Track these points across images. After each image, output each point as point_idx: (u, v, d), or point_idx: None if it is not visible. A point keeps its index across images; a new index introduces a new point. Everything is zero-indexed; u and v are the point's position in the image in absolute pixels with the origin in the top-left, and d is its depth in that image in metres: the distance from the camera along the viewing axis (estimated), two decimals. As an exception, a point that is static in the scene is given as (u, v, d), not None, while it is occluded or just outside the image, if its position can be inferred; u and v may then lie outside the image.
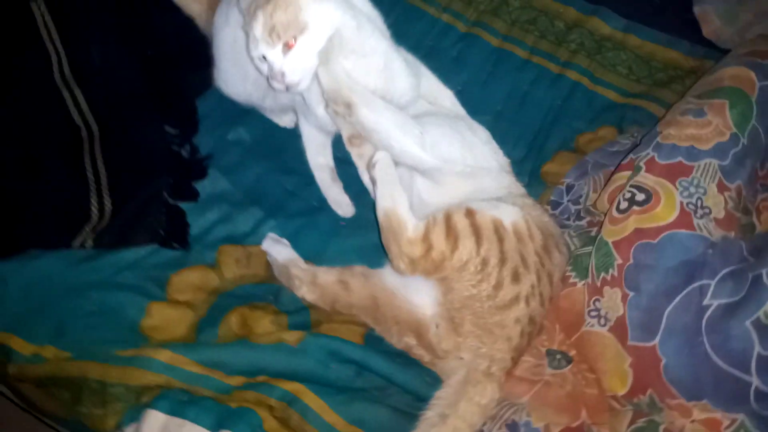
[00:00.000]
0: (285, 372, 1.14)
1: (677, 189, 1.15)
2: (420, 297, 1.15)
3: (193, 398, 1.08)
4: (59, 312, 1.19)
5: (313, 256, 1.32)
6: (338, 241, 1.38)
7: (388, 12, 1.34)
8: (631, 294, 1.11)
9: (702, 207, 1.14)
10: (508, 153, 1.37)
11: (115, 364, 1.12)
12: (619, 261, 1.14)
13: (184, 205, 1.38)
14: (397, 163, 1.22)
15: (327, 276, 1.24)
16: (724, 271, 1.07)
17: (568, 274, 1.22)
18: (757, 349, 0.99)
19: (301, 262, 1.28)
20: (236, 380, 1.13)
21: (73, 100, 1.44)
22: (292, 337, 1.17)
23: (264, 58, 1.16)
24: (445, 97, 1.42)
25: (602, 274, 1.15)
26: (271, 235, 1.34)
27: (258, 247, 1.33)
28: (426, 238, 1.11)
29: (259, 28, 1.14)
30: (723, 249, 1.10)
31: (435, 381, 1.15)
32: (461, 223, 1.11)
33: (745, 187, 1.20)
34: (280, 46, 1.14)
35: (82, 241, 1.29)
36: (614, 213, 1.17)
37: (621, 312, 1.12)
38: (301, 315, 1.25)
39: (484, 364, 1.09)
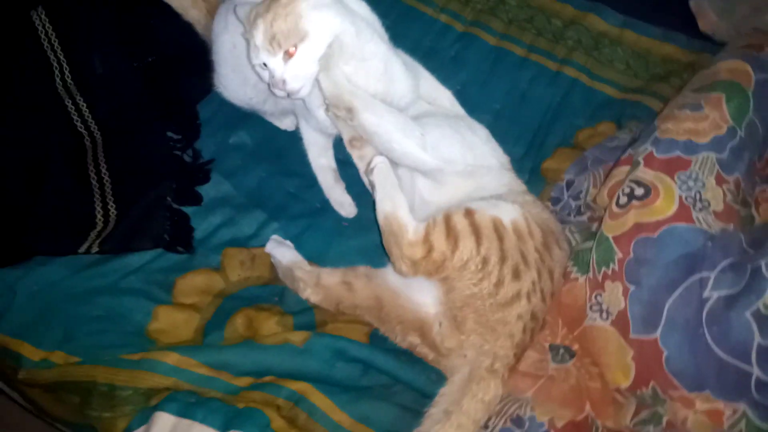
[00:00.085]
0: (291, 372, 1.15)
1: (676, 183, 1.15)
2: (422, 296, 1.16)
3: (201, 399, 1.09)
4: (67, 317, 1.21)
5: (316, 257, 1.33)
6: (341, 241, 1.39)
7: (386, 13, 1.34)
8: (632, 288, 1.12)
9: (701, 200, 1.15)
10: (508, 151, 1.38)
11: (123, 368, 1.14)
12: (620, 255, 1.14)
13: (187, 210, 1.39)
14: (397, 165, 1.23)
15: (331, 277, 1.25)
16: (723, 264, 1.07)
17: (569, 269, 1.22)
18: (757, 339, 1.00)
19: (305, 263, 1.29)
20: (243, 381, 1.14)
21: (76, 108, 1.45)
22: (297, 337, 1.19)
23: (265, 65, 1.18)
24: (444, 97, 1.43)
25: (603, 269, 1.16)
26: (275, 237, 1.35)
27: (262, 249, 1.34)
28: (426, 239, 1.12)
29: (259, 37, 1.15)
30: (722, 241, 1.11)
31: (440, 378, 1.16)
32: (461, 223, 1.12)
33: (743, 180, 1.20)
34: (280, 55, 1.15)
35: (87, 247, 1.30)
36: (614, 208, 1.18)
37: (622, 306, 1.12)
38: (306, 315, 1.26)
39: (487, 362, 1.10)
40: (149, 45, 1.57)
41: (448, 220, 1.13)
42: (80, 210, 1.35)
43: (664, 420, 1.08)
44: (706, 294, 1.06)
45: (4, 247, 1.31)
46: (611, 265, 1.15)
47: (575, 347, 1.19)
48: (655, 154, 1.19)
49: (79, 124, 1.44)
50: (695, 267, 1.09)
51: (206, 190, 1.43)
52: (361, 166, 1.28)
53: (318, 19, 1.15)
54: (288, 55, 1.15)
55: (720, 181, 1.17)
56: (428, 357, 1.18)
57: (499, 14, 1.83)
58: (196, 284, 1.29)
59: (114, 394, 1.11)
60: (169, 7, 1.56)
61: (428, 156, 1.20)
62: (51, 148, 1.41)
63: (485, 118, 1.42)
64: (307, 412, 1.10)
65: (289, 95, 1.18)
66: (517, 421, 1.10)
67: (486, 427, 1.09)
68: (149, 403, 1.10)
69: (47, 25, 1.51)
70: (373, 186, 1.19)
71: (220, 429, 1.05)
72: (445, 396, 1.09)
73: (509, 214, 1.16)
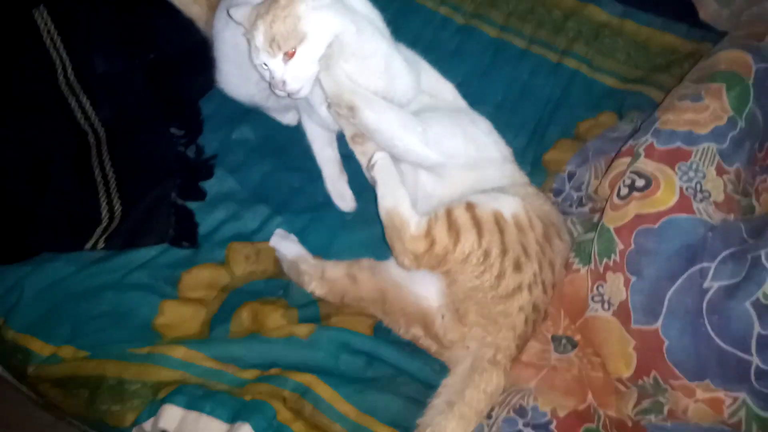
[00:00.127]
0: (297, 364, 1.17)
1: (676, 174, 1.16)
2: (425, 289, 1.17)
3: (208, 392, 1.11)
4: (75, 313, 1.22)
5: (320, 250, 1.34)
6: (345, 234, 1.40)
7: (386, 7, 1.34)
8: (634, 278, 1.13)
9: (701, 191, 1.16)
10: (509, 142, 1.38)
11: (131, 362, 1.15)
12: (621, 246, 1.15)
13: (192, 205, 1.40)
14: (400, 160, 1.24)
15: (335, 270, 1.26)
16: (723, 254, 1.08)
17: (571, 260, 1.23)
18: (757, 328, 1.00)
19: (309, 257, 1.30)
20: (250, 374, 1.15)
21: (79, 106, 1.46)
22: (302, 330, 1.20)
23: (265, 65, 1.18)
24: (445, 90, 1.43)
25: (605, 260, 1.17)
26: (279, 231, 1.37)
27: (266, 243, 1.35)
28: (429, 233, 1.13)
29: (260, 38, 1.15)
30: (723, 232, 1.12)
31: (443, 369, 1.17)
32: (462, 217, 1.13)
33: (744, 170, 1.21)
34: (280, 56, 1.15)
35: (93, 243, 1.32)
36: (615, 199, 1.19)
37: (624, 296, 1.13)
38: (311, 308, 1.27)
39: (489, 353, 1.11)
40: (151, 42, 1.58)
41: (449, 214, 1.14)
42: (85, 207, 1.37)
43: (666, 409, 1.09)
44: (706, 284, 1.07)
45: (11, 244, 1.33)
46: (613, 256, 1.16)
47: (577, 338, 1.20)
48: (655, 145, 1.20)
49: (82, 121, 1.45)
50: (696, 257, 1.09)
51: (210, 186, 1.44)
52: (363, 162, 1.29)
53: (317, 21, 1.16)
54: (288, 56, 1.15)
55: (721, 171, 1.17)
56: (431, 349, 1.19)
57: (499, 6, 1.82)
58: (201, 279, 1.30)
59: (122, 388, 1.13)
60: (170, 4, 1.57)
61: (430, 152, 1.21)
62: (55, 146, 1.42)
63: (486, 110, 1.42)
64: (313, 404, 1.11)
65: (289, 95, 1.19)
66: (520, 411, 1.11)
67: (489, 417, 1.10)
68: (157, 396, 1.11)
69: (49, 23, 1.52)
70: (375, 181, 1.20)
71: (227, 421, 1.06)
72: (447, 387, 1.10)
73: (510, 206, 1.17)
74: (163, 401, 1.09)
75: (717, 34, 1.70)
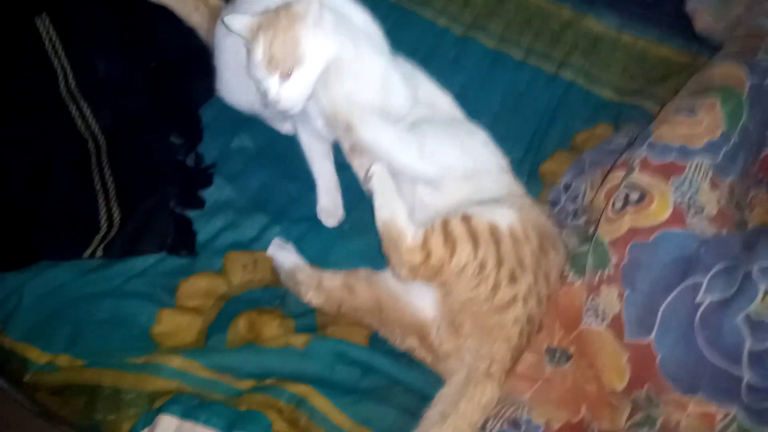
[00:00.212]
0: (293, 374, 1.17)
1: (670, 188, 1.16)
2: (421, 300, 1.18)
3: (204, 402, 1.11)
4: (72, 321, 1.22)
5: (317, 259, 1.35)
6: (342, 244, 1.41)
7: (385, 18, 1.35)
8: (627, 291, 1.13)
9: (695, 205, 1.16)
10: (506, 153, 1.38)
11: (127, 371, 1.15)
12: (615, 259, 1.16)
13: (190, 213, 1.41)
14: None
15: (332, 280, 1.26)
16: (716, 268, 1.09)
17: (566, 272, 1.23)
18: (748, 344, 1.01)
19: (306, 267, 1.31)
20: (246, 384, 1.16)
21: (80, 113, 1.47)
22: (298, 340, 1.20)
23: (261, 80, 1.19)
24: (443, 101, 1.43)
25: (599, 273, 1.17)
26: (277, 240, 1.37)
27: (264, 252, 1.36)
28: (425, 245, 1.14)
29: (259, 53, 1.17)
30: (715, 246, 1.12)
31: (438, 380, 1.17)
32: (458, 229, 1.14)
33: (737, 184, 1.22)
34: (277, 75, 1.17)
35: (92, 251, 1.32)
36: (610, 212, 1.19)
37: (617, 309, 1.14)
38: (308, 318, 1.28)
39: (484, 365, 1.11)
40: (152, 50, 1.59)
41: (445, 225, 1.15)
42: (84, 214, 1.37)
43: (658, 423, 1.09)
44: (698, 299, 1.07)
45: (9, 251, 1.33)
46: (607, 269, 1.16)
47: (572, 350, 1.21)
48: (650, 158, 1.21)
49: (83, 129, 1.46)
50: (689, 271, 1.10)
51: (209, 194, 1.44)
52: (361, 174, 1.30)
53: (316, 45, 1.17)
54: (285, 75, 1.16)
55: (714, 185, 1.18)
56: (426, 360, 1.19)
57: (496, 17, 1.83)
58: (199, 287, 1.30)
59: (119, 397, 1.13)
60: (171, 13, 1.58)
61: (427, 166, 1.22)
62: (55, 153, 1.42)
63: (483, 121, 1.42)
64: (308, 415, 1.11)
65: (281, 112, 1.20)
66: (515, 423, 1.11)
67: (483, 429, 1.10)
68: (153, 405, 1.11)
69: (51, 31, 1.53)
70: (371, 193, 1.21)
71: (222, 431, 1.06)
72: (442, 398, 1.11)
73: (506, 218, 1.17)
74: (159, 411, 1.09)
75: (713, 46, 1.71)
